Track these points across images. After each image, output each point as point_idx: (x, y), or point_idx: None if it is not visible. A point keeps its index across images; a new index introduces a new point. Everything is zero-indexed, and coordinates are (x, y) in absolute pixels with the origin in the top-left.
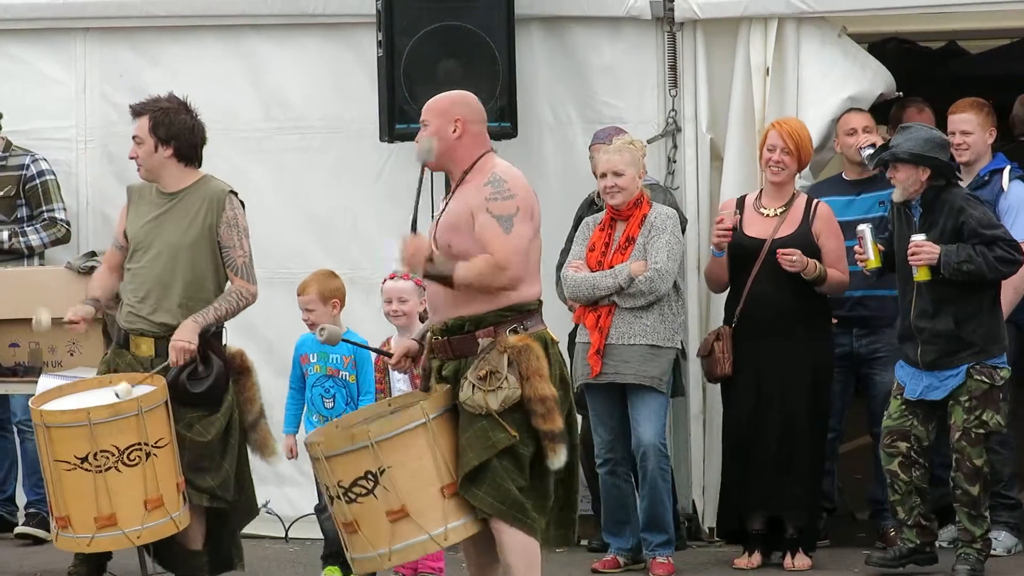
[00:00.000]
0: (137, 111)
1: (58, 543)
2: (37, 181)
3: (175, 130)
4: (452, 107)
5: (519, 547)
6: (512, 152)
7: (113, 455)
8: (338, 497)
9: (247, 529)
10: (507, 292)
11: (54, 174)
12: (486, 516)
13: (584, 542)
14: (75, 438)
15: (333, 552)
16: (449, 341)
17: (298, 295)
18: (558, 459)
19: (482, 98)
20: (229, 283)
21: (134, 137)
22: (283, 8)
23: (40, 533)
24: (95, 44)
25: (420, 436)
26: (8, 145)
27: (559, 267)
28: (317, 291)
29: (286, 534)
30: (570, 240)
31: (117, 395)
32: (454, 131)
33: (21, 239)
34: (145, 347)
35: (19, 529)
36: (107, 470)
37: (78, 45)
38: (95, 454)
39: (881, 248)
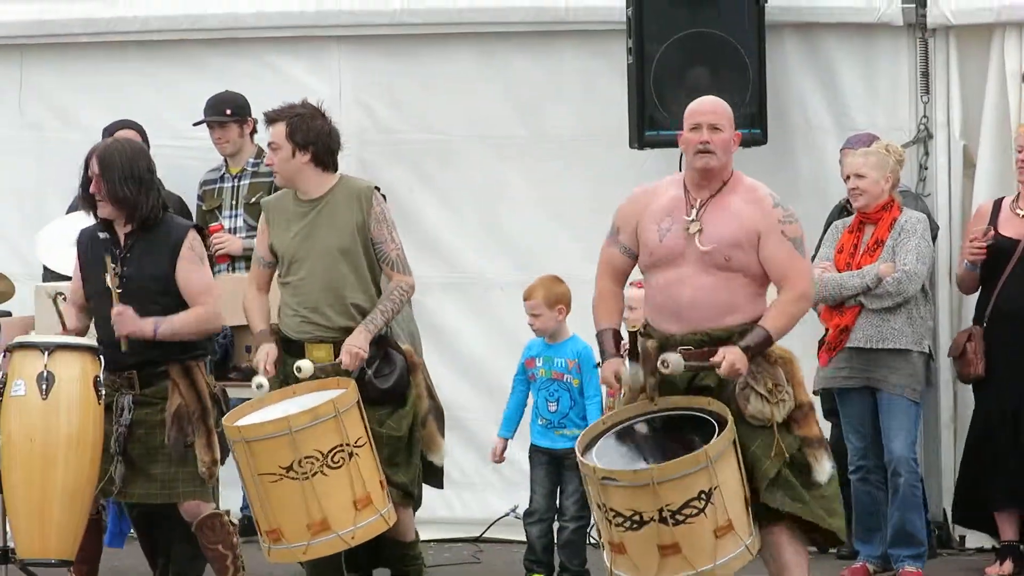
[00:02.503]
0: (272, 118)
1: (271, 556)
2: None
3: (312, 135)
4: (730, 114)
5: (801, 547)
6: (761, 159)
7: (318, 460)
8: (659, 520)
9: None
10: (759, 300)
11: None
12: (777, 519)
13: (832, 549)
14: (278, 448)
15: (536, 559)
16: (710, 351)
17: (524, 300)
18: (822, 467)
19: (732, 105)
20: (388, 278)
21: (270, 144)
22: (534, 16)
23: None
24: (349, 52)
25: (732, 450)
26: (260, 152)
27: None
28: (543, 296)
29: (480, 536)
30: (818, 246)
31: (300, 369)
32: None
33: None
34: (322, 352)
35: None
36: (313, 475)
37: (332, 53)
38: (299, 461)
39: None
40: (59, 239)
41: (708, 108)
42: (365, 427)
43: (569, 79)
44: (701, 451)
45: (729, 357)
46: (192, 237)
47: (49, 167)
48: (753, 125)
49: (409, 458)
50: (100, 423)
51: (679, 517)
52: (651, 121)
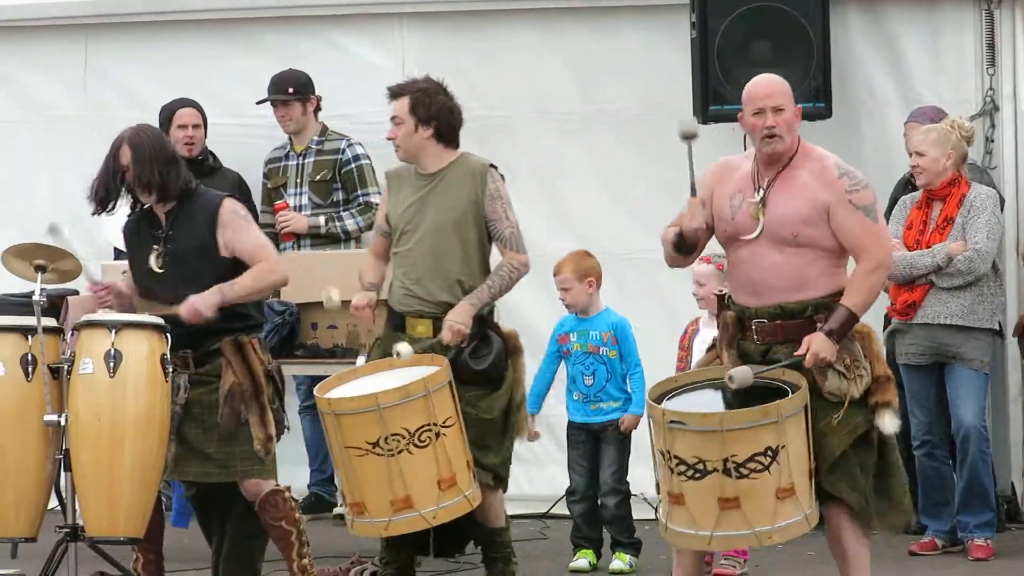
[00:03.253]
0: (396, 92)
1: (354, 529)
2: (352, 166)
3: (435, 110)
4: (790, 92)
5: (862, 533)
6: (826, 132)
7: (404, 438)
8: (723, 471)
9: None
10: (838, 273)
11: (369, 159)
12: (837, 503)
13: None
14: (365, 424)
15: (584, 536)
16: (783, 325)
17: (554, 275)
18: (885, 423)
19: (796, 78)
20: (501, 255)
21: (393, 118)
22: None
23: None
24: (413, 29)
25: (802, 416)
26: (325, 130)
27: None
28: (572, 270)
29: (546, 513)
30: (885, 220)
31: (399, 354)
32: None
33: (337, 223)
34: (423, 327)
35: (338, 510)
36: (399, 453)
37: (396, 30)
38: (386, 438)
39: None
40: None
41: (765, 91)
42: (456, 407)
43: (631, 54)
44: (773, 404)
45: (813, 347)
46: (230, 203)
47: None
48: (817, 99)
49: (501, 440)
50: (167, 401)
51: (743, 471)
52: (715, 95)
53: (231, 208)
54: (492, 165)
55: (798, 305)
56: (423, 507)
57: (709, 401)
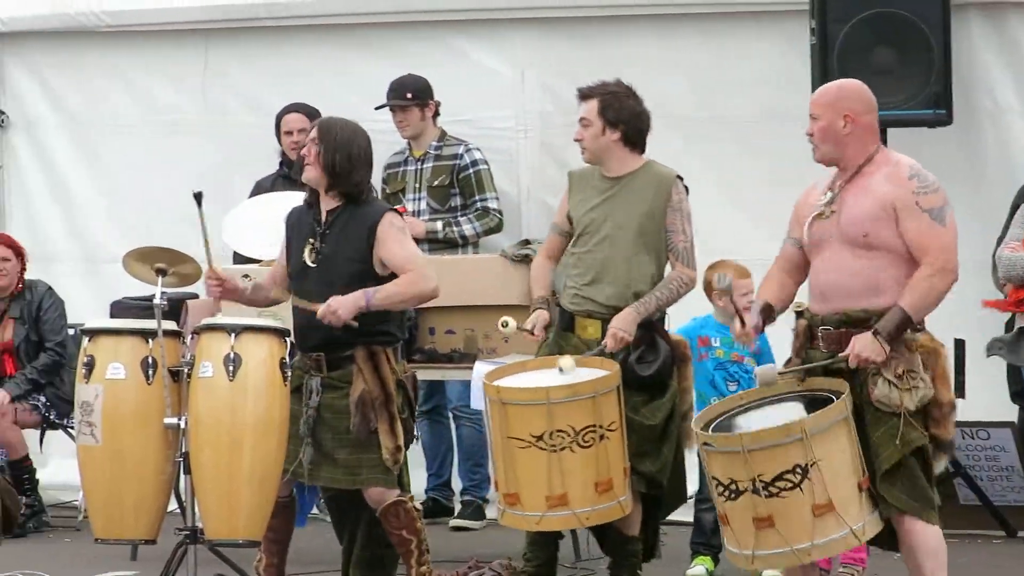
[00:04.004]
0: (585, 94)
1: (504, 519)
2: (471, 171)
3: (624, 114)
4: (839, 100)
5: (930, 547)
6: (947, 139)
7: (569, 435)
8: (752, 491)
9: None
10: (903, 286)
11: (487, 164)
12: (899, 512)
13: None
14: (532, 416)
15: (704, 542)
16: (847, 333)
17: (739, 278)
18: (938, 466)
19: (916, 85)
20: (669, 268)
21: (581, 119)
22: None
23: (474, 525)
24: (531, 35)
25: (843, 429)
26: (443, 135)
27: (995, 255)
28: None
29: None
30: (1006, 228)
31: (561, 370)
32: (843, 125)
33: (454, 228)
34: (592, 329)
35: (453, 522)
36: (562, 450)
37: (515, 36)
38: (551, 433)
39: None
40: (245, 223)
41: (813, 97)
42: (620, 412)
43: (750, 61)
44: (794, 422)
45: (856, 347)
46: (391, 216)
47: (232, 151)
48: (938, 105)
49: (659, 448)
50: (286, 405)
51: (772, 489)
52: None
53: (390, 221)
54: (679, 176)
55: (863, 313)
56: (578, 507)
57: (788, 414)
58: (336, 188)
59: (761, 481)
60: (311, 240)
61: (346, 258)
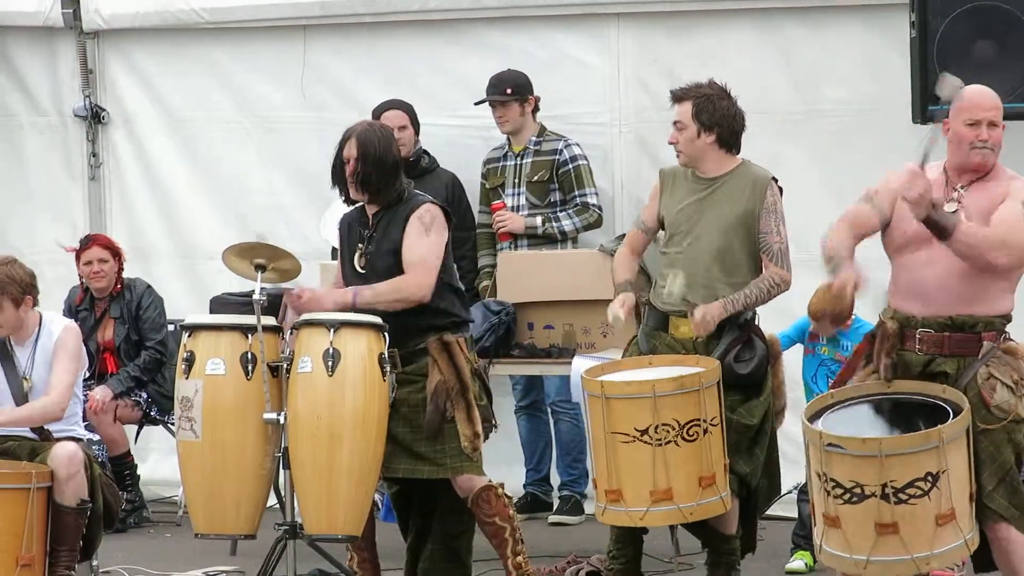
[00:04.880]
0: (679, 96)
1: (604, 517)
2: (570, 166)
3: (718, 116)
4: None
5: None
6: None
7: (673, 429)
8: (881, 496)
9: None
10: (1008, 297)
11: (587, 159)
12: (1000, 519)
13: None
14: (637, 410)
15: (806, 535)
16: (950, 337)
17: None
18: None
19: (1017, 79)
20: (764, 268)
21: (676, 123)
22: None
23: (572, 520)
24: (629, 29)
25: (965, 438)
26: (542, 130)
27: None
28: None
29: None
30: None
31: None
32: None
33: (554, 224)
34: (685, 328)
35: (552, 518)
36: (667, 444)
37: (612, 31)
38: (656, 427)
39: None
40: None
41: (990, 104)
42: (720, 408)
43: (848, 54)
44: (935, 429)
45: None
46: (425, 208)
47: (330, 147)
48: None
49: (752, 449)
50: (385, 400)
51: (902, 496)
52: (935, 96)
53: (419, 214)
54: (773, 178)
55: (969, 318)
56: (682, 501)
57: (865, 417)
58: (376, 202)
59: (892, 487)
60: (359, 245)
61: (387, 256)
